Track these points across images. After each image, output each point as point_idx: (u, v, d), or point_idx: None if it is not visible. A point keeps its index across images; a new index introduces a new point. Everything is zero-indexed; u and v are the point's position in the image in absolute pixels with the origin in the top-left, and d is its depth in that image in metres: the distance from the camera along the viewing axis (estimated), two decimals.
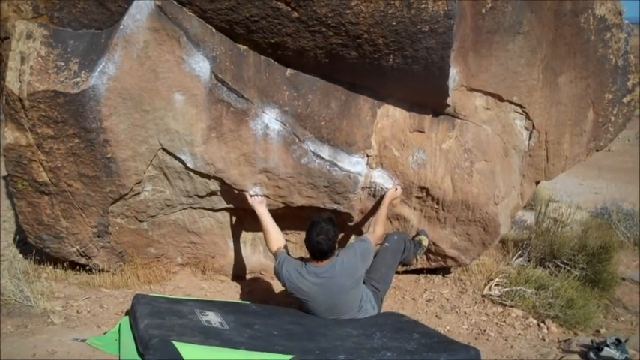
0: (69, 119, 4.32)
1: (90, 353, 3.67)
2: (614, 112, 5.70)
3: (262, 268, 5.38)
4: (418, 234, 5.17)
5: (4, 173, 5.14)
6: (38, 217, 4.73)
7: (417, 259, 5.27)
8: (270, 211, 4.87)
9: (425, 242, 5.10)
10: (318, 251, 4.28)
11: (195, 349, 3.31)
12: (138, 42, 4.31)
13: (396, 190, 4.94)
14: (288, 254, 4.53)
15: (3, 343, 3.77)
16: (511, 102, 5.16)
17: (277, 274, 4.46)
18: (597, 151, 5.96)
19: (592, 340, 4.35)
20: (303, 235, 4.47)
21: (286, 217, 5.04)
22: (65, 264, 5.05)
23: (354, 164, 4.87)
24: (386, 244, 4.83)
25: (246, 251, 5.31)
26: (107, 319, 4.37)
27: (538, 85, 5.17)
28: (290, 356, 3.43)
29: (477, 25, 4.74)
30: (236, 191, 4.81)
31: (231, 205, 5.01)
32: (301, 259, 4.45)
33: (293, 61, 4.63)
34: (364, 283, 4.52)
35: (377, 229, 4.80)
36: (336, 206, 4.99)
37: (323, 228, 4.23)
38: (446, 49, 4.36)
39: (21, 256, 5.42)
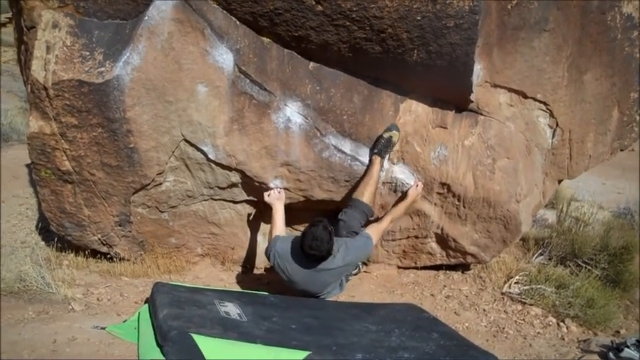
0: (93, 109, 4.35)
1: (109, 341, 3.69)
2: None
3: None
4: (389, 129, 4.85)
5: (28, 161, 5.17)
6: (61, 205, 4.78)
7: (384, 159, 4.90)
8: (290, 204, 4.89)
9: (395, 138, 4.82)
10: (312, 261, 4.38)
11: (213, 343, 3.32)
12: (162, 33, 4.33)
13: (417, 186, 4.92)
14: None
15: (24, 328, 3.81)
16: (535, 99, 5.11)
17: (268, 250, 4.60)
18: (621, 150, 5.91)
19: (612, 341, 4.31)
20: None
21: (306, 210, 5.04)
22: (86, 252, 5.10)
23: None
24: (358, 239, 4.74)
25: (265, 243, 5.31)
26: (127, 307, 4.40)
27: (563, 82, 5.12)
28: (307, 352, 3.42)
29: (502, 21, 4.70)
30: (257, 184, 4.82)
31: (251, 197, 5.02)
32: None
33: (316, 55, 4.63)
34: None
35: (385, 220, 4.85)
36: None
37: (317, 238, 4.26)
38: (470, 44, 4.33)
39: (43, 243, 5.48)
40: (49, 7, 4.38)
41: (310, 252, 4.29)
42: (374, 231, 4.73)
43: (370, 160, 4.87)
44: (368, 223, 4.88)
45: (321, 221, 4.36)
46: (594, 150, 5.62)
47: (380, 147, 4.80)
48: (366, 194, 4.80)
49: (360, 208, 4.79)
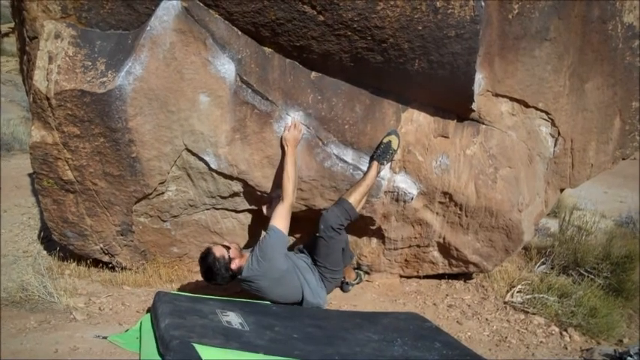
0: (95, 118, 4.36)
1: (111, 351, 3.69)
2: None
3: None
4: (388, 134, 4.83)
5: (31, 170, 5.18)
6: (63, 215, 4.78)
7: (384, 165, 4.86)
8: (292, 213, 4.89)
9: (395, 144, 4.78)
10: (218, 284, 4.44)
11: (215, 353, 3.31)
12: (164, 43, 4.34)
13: (295, 127, 4.70)
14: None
15: (26, 338, 3.81)
16: (537, 108, 5.11)
17: None
18: (623, 159, 5.90)
19: (615, 350, 4.31)
20: None
21: (308, 219, 5.03)
22: (88, 261, 5.10)
23: None
24: (328, 234, 4.67)
25: None
26: (129, 316, 4.40)
27: (564, 91, 5.12)
28: None
29: (503, 30, 4.71)
30: (259, 193, 4.82)
31: (253, 207, 5.02)
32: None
33: (318, 65, 4.64)
34: (316, 266, 4.76)
35: (284, 192, 4.57)
36: None
37: (209, 269, 4.28)
38: (472, 54, 4.34)
39: (45, 252, 5.49)
40: (51, 17, 4.40)
41: (213, 281, 4.36)
42: (275, 216, 4.55)
43: (368, 166, 4.87)
44: (351, 224, 4.85)
45: (206, 252, 4.36)
46: (596, 159, 5.61)
47: (379, 152, 4.79)
48: (353, 195, 4.76)
49: (343, 206, 4.73)
